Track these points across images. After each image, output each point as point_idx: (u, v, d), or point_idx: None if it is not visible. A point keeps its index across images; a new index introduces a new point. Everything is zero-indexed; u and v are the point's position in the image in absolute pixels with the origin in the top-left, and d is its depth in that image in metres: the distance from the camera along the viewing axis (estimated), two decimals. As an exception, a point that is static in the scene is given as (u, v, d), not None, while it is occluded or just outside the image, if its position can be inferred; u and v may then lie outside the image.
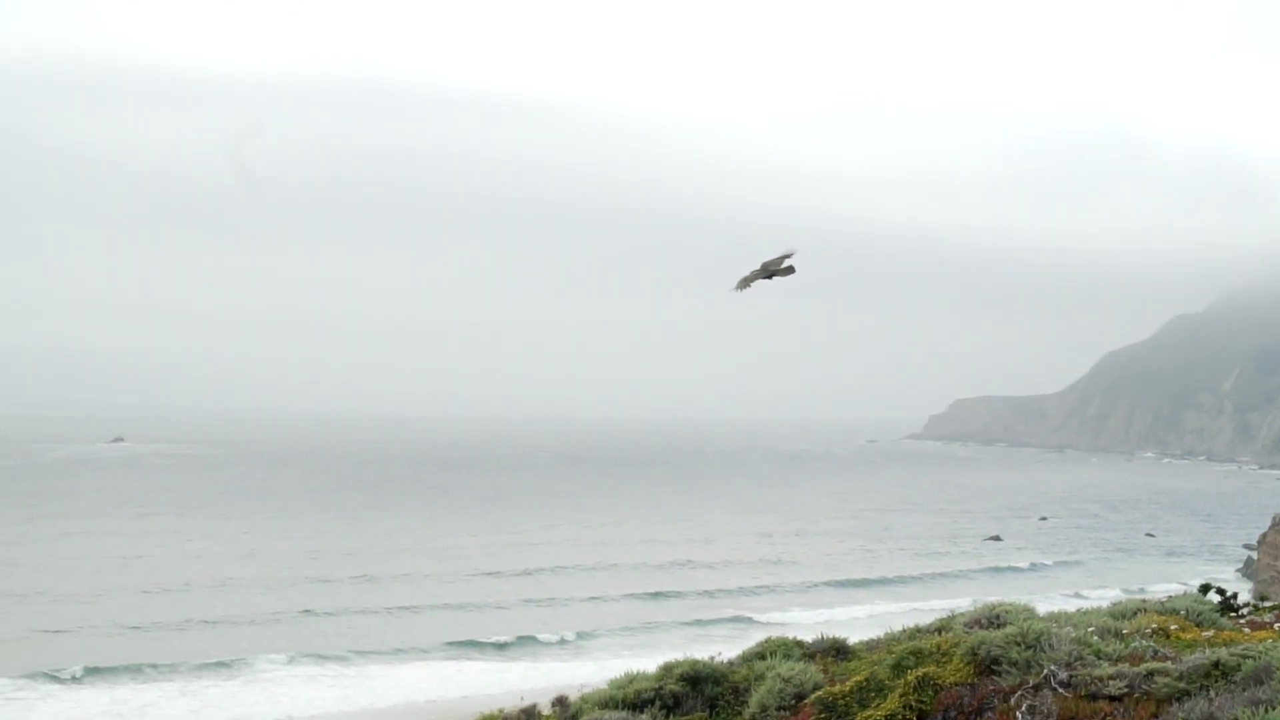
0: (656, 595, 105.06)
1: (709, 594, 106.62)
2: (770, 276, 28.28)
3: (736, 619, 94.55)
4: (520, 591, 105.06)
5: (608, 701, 27.46)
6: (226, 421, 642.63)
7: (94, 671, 70.60)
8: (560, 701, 28.05)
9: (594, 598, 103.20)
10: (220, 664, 73.68)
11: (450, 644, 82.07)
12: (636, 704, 27.32)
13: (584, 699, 28.19)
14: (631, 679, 28.42)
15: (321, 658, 76.39)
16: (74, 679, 69.08)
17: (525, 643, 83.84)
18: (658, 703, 27.36)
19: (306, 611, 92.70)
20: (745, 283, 28.32)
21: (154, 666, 72.45)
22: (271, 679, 71.70)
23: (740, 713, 27.04)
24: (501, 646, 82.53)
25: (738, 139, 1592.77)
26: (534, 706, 28.14)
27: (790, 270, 28.51)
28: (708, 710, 27.41)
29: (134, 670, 71.53)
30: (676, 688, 27.51)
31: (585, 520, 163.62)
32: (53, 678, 69.08)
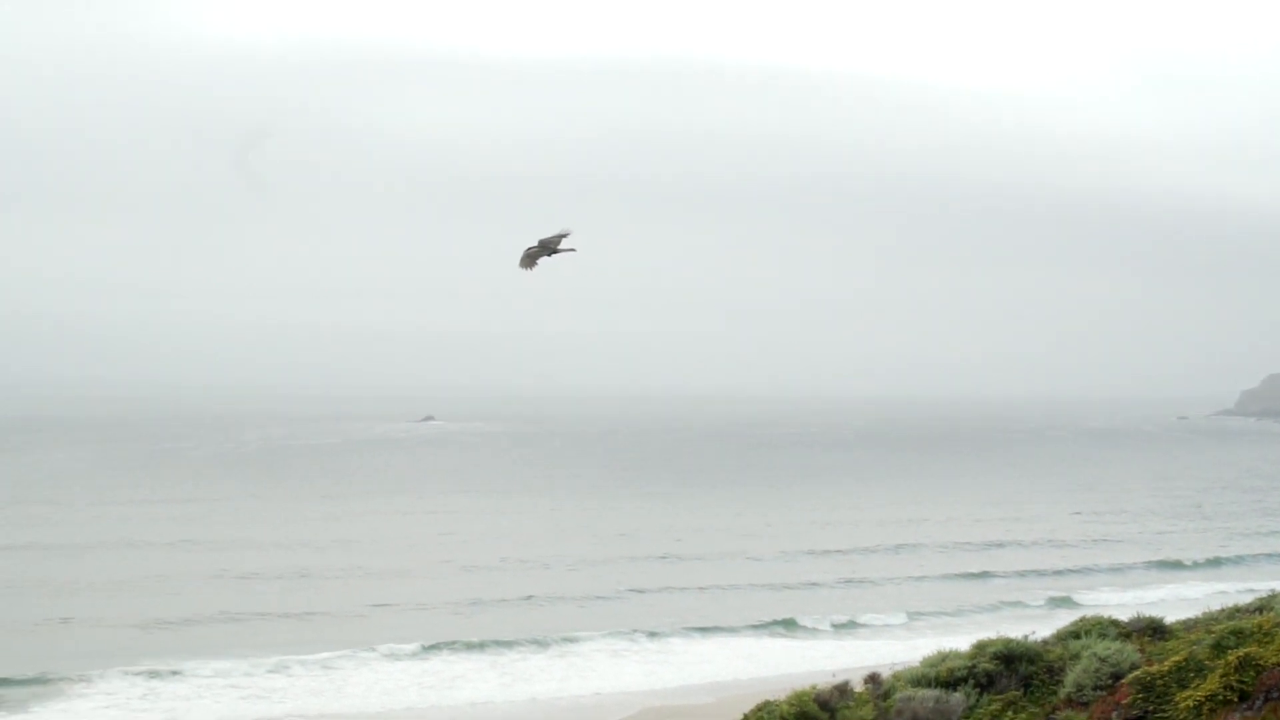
0: (967, 575, 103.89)
1: (1020, 574, 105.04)
2: (551, 254, 28.60)
3: (1049, 599, 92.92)
4: (828, 570, 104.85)
5: (920, 679, 27.36)
6: (534, 400, 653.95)
7: (406, 644, 72.48)
8: (873, 679, 28.04)
9: (904, 577, 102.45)
10: (530, 639, 74.99)
11: (759, 623, 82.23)
12: (949, 682, 27.18)
13: (896, 676, 28.13)
14: (944, 657, 28.28)
15: (629, 634, 77.23)
16: (388, 653, 70.98)
17: (834, 622, 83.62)
18: (971, 681, 27.18)
19: (615, 588, 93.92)
20: (530, 260, 28.76)
21: (465, 641, 74.07)
22: (579, 654, 72.80)
23: (1055, 692, 26.68)
24: (810, 625, 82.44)
25: (1025, 108, 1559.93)
26: (846, 683, 28.17)
27: (571, 250, 28.64)
28: (1022, 689, 27.12)
29: (447, 645, 73.21)
30: (990, 666, 27.27)
31: (892, 499, 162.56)
32: (369, 650, 71.19)
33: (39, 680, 63.26)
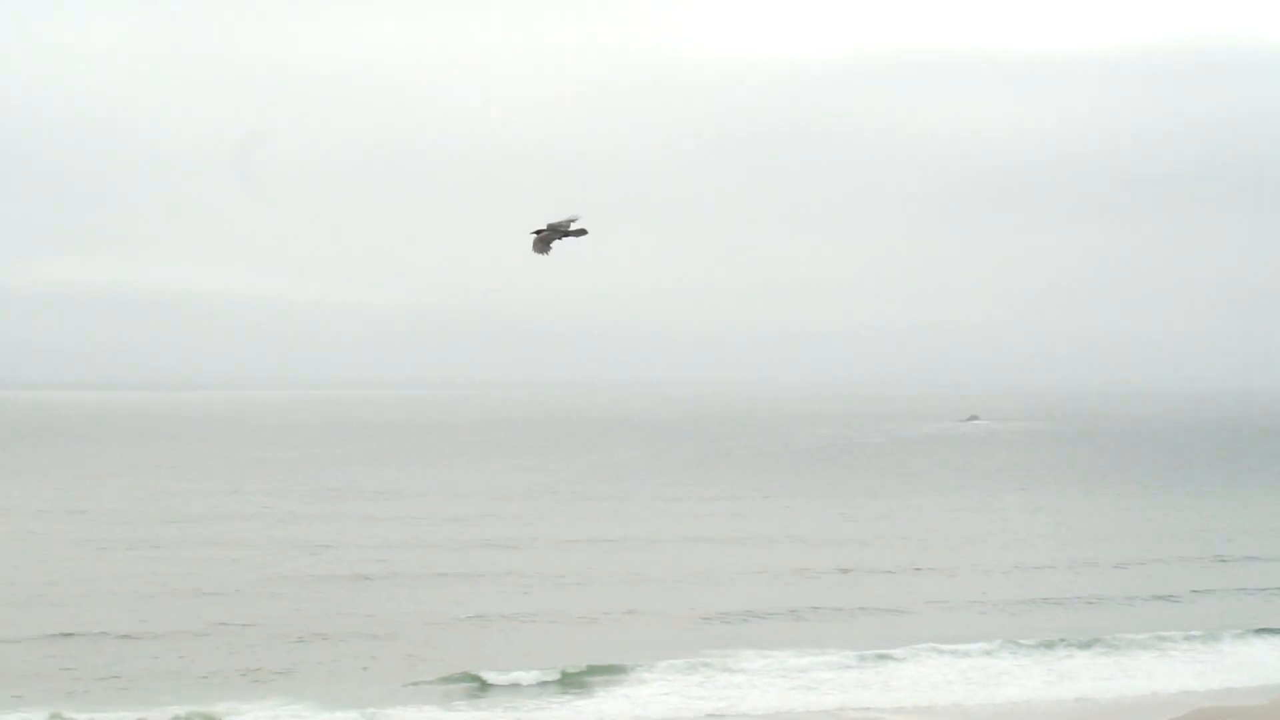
0: None
1: None
2: (563, 236, 29.95)
3: None
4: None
5: None
6: (1077, 398, 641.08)
7: (950, 641, 73.01)
8: None
9: None
10: (1073, 638, 74.53)
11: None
12: None
13: None
14: None
15: (1182, 633, 76.04)
16: (933, 649, 71.69)
17: None
18: None
19: (1163, 588, 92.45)
20: (543, 243, 30.19)
21: (1010, 639, 74.19)
22: (1125, 653, 72.07)
23: None
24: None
25: None
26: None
27: (583, 231, 30.12)
28: None
29: (992, 641, 73.42)
30: None
31: None
32: (916, 645, 72.11)
33: (610, 669, 67.00)
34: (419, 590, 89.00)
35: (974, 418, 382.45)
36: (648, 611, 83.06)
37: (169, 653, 69.97)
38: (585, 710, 61.43)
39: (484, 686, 64.27)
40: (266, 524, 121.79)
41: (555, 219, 30.39)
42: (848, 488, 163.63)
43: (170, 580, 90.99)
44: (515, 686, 64.25)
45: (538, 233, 30.73)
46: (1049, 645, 73.28)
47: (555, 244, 31.03)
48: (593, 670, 66.51)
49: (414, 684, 64.71)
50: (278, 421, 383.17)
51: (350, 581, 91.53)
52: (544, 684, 64.70)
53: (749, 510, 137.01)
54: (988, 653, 71.72)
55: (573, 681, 65.08)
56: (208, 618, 78.28)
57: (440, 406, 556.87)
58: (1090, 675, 67.77)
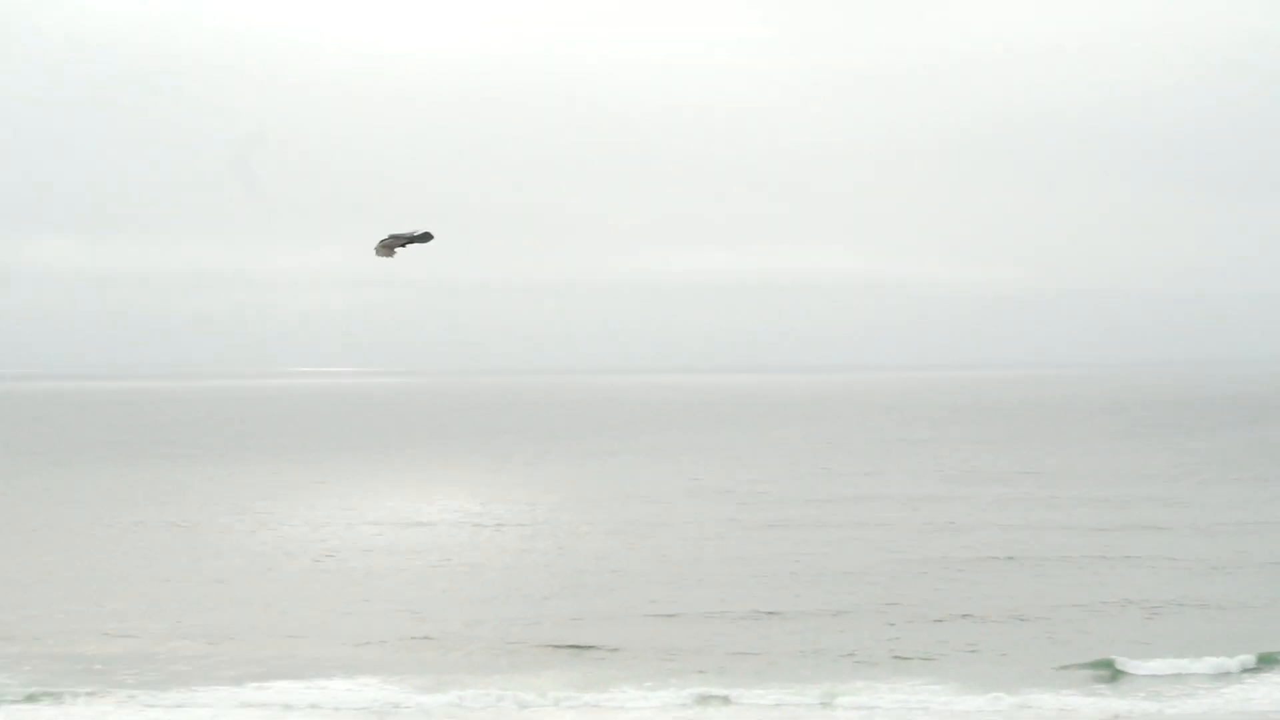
0: None
1: None
2: (406, 244, 32.94)
3: None
4: None
5: None
6: None
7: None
8: None
9: None
10: None
11: None
12: None
13: None
14: None
15: None
16: None
17: None
18: None
19: None
20: (387, 250, 33.42)
21: None
22: None
23: None
24: None
25: None
26: None
27: (428, 236, 32.50)
28: None
29: None
30: None
31: None
32: None
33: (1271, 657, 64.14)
34: (1060, 573, 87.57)
35: None
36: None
37: (812, 632, 71.41)
38: (1233, 698, 59.11)
39: (1125, 675, 62.70)
40: (904, 505, 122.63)
41: (399, 230, 33.77)
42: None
43: (812, 560, 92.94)
44: (1160, 676, 62.39)
45: (381, 242, 34.58)
46: None
47: (401, 250, 34.12)
48: (1264, 659, 63.72)
49: (1056, 668, 63.89)
50: (903, 403, 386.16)
51: (990, 563, 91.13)
52: (1188, 674, 62.61)
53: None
54: None
55: (1227, 670, 62.64)
56: (850, 598, 79.61)
57: (1053, 386, 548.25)
58: None
